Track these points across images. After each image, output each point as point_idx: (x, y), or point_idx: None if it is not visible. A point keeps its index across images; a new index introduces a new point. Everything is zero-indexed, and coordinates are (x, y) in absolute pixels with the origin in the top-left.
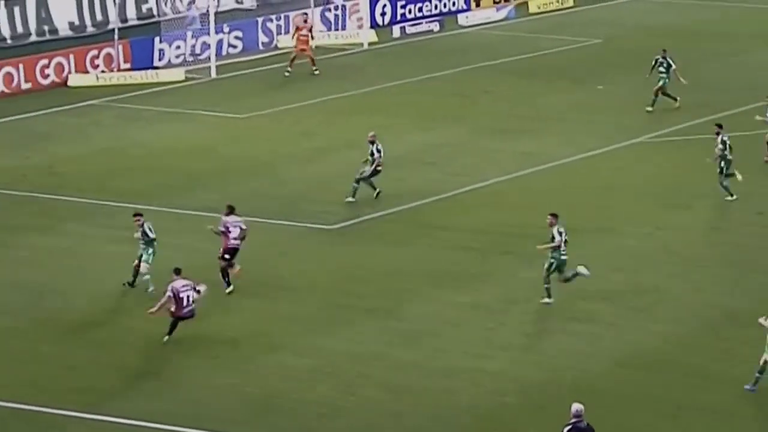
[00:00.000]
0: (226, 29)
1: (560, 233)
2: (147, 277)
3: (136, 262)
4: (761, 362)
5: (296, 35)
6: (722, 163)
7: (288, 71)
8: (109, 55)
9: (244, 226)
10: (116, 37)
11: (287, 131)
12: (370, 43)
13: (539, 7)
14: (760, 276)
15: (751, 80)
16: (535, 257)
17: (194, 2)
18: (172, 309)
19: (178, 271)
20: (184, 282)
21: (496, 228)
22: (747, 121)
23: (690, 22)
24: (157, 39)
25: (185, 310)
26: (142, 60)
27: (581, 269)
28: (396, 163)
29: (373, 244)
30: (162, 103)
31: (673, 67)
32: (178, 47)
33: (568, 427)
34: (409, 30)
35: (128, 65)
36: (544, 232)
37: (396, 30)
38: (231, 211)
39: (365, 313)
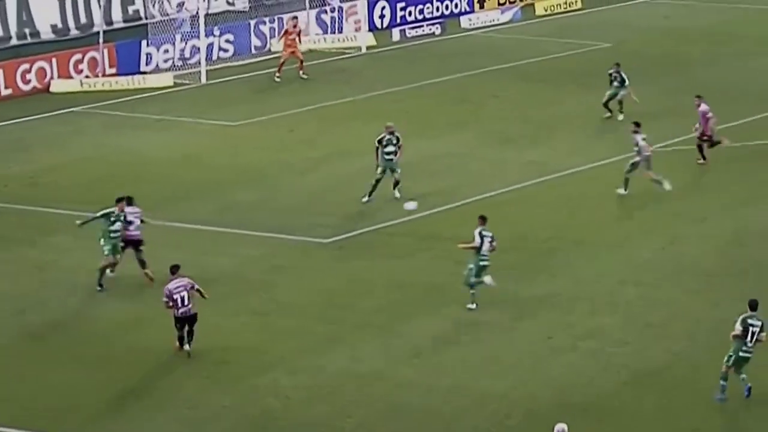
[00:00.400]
0: (216, 32)
1: (483, 236)
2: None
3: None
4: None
5: (284, 38)
6: (637, 158)
7: (278, 77)
8: (93, 59)
9: (143, 218)
10: (101, 40)
11: (281, 140)
12: (368, 47)
13: (546, 9)
14: None
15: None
16: (542, 272)
17: (183, 4)
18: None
19: (173, 270)
20: (179, 282)
21: (500, 241)
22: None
23: (705, 25)
24: (144, 42)
25: (180, 311)
26: (129, 65)
27: (487, 279)
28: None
29: (372, 257)
30: (149, 111)
31: (627, 82)
32: (167, 51)
33: None
34: (410, 33)
35: (114, 70)
36: (550, 245)
37: (395, 33)
38: (129, 202)
39: (364, 329)
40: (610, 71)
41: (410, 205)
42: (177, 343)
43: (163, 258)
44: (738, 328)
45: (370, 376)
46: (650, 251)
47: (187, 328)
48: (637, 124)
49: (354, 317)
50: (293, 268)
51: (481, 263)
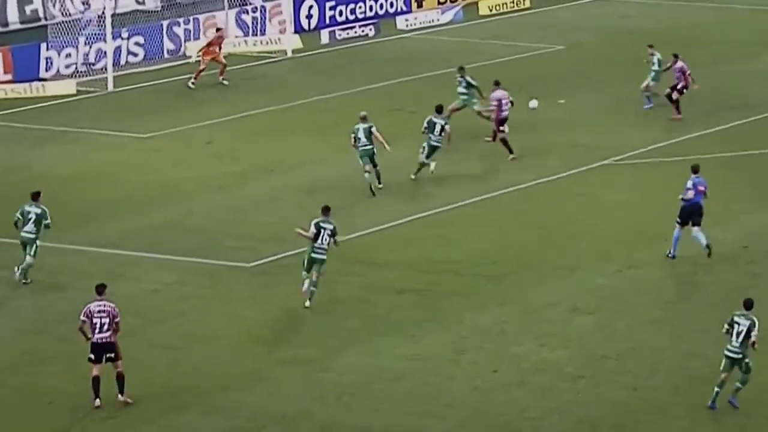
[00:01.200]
0: (125, 34)
1: (320, 227)
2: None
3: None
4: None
5: (205, 50)
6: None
7: (192, 84)
8: None
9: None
10: None
11: (197, 153)
12: (294, 51)
13: (491, 9)
14: None
15: (738, 93)
16: (487, 299)
17: (88, 3)
18: (89, 335)
19: (99, 290)
20: (103, 306)
21: (439, 265)
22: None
23: (665, 26)
24: (43, 46)
25: (96, 336)
26: (26, 70)
27: (313, 275)
28: (322, 190)
29: (299, 284)
30: (50, 121)
31: (474, 83)
32: (69, 56)
33: None
34: (340, 35)
35: (9, 76)
36: (495, 269)
37: (324, 35)
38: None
39: (289, 364)
40: (456, 75)
41: (534, 103)
42: (92, 392)
43: (65, 285)
44: (725, 326)
45: (296, 417)
46: (605, 276)
47: (104, 361)
48: (439, 110)
49: (278, 351)
50: (211, 295)
51: (313, 255)
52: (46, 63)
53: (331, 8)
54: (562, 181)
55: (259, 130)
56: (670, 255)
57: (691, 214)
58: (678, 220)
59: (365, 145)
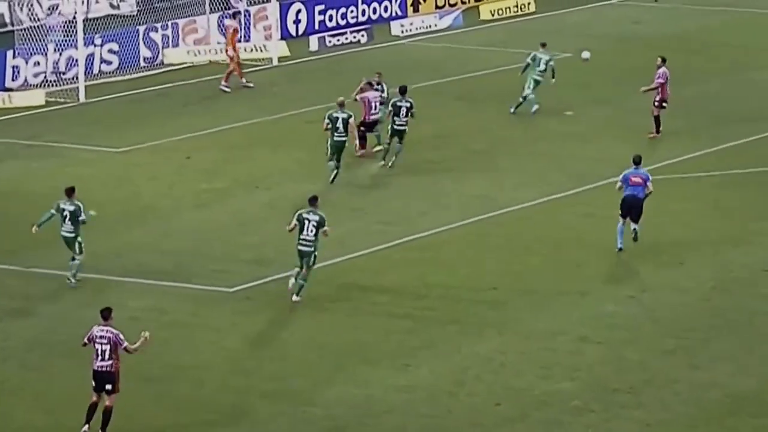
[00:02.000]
0: (98, 41)
1: (303, 220)
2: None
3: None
4: None
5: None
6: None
7: (245, 83)
8: None
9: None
10: None
11: (175, 169)
12: (280, 58)
13: (493, 14)
14: None
15: (758, 104)
16: (487, 327)
17: (57, 7)
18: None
19: (104, 315)
20: (106, 332)
21: (435, 290)
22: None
23: (680, 31)
24: (9, 53)
25: (97, 364)
26: None
27: (297, 275)
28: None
29: (284, 310)
30: (16, 134)
31: (386, 93)
32: (38, 64)
33: None
34: (330, 42)
35: None
36: (497, 294)
37: (313, 41)
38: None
39: (273, 397)
40: (373, 79)
41: (586, 54)
42: (84, 416)
43: (32, 311)
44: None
45: None
46: (616, 301)
47: (104, 392)
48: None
49: (262, 384)
50: (190, 323)
51: (299, 248)
52: (13, 72)
53: (320, 13)
54: (568, 199)
55: (242, 143)
56: (618, 248)
57: (630, 207)
58: (620, 212)
59: (341, 135)
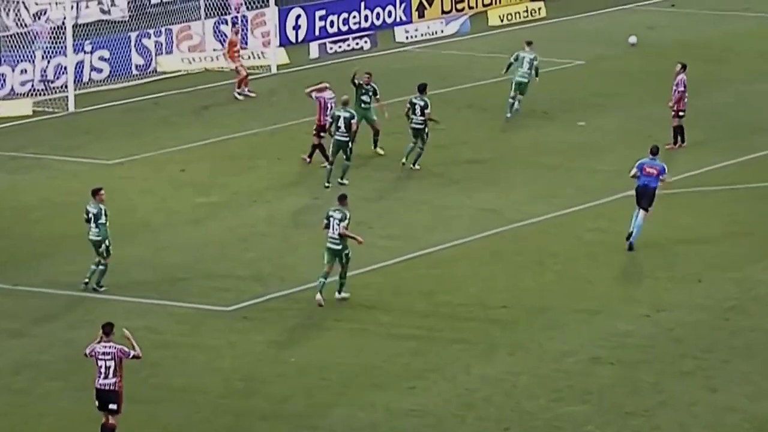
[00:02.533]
0: (88, 48)
1: (329, 218)
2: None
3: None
4: None
5: (230, 52)
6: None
7: (249, 92)
8: None
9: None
10: None
11: (169, 182)
12: (279, 66)
13: (502, 19)
14: None
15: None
16: (496, 347)
17: (45, 13)
18: None
19: (106, 330)
20: (108, 348)
21: (442, 309)
22: None
23: (697, 37)
24: None
25: (99, 382)
26: None
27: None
28: (311, 224)
29: (284, 330)
30: (2, 146)
31: (378, 95)
32: (25, 72)
33: None
34: (332, 48)
35: None
36: (507, 313)
37: (314, 48)
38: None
39: (273, 421)
40: (360, 81)
41: (633, 39)
42: None
43: (20, 331)
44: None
45: None
46: (630, 320)
47: (106, 410)
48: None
49: (261, 406)
50: (187, 343)
51: (327, 245)
52: None
53: (321, 18)
54: (581, 214)
55: (239, 155)
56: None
57: (641, 196)
58: (635, 201)
59: (343, 135)
